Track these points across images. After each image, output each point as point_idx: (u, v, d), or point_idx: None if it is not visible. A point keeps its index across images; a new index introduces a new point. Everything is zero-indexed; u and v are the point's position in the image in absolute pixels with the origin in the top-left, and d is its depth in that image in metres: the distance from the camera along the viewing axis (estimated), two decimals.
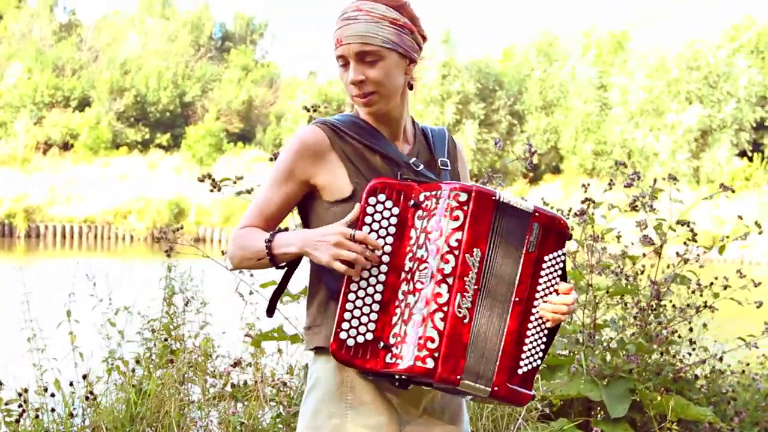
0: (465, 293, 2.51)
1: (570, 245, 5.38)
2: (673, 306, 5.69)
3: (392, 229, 2.56)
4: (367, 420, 2.65)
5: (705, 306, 5.56)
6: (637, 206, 5.32)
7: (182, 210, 34.13)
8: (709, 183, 42.83)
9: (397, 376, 2.53)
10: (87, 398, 5.19)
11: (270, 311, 2.83)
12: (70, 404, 5.25)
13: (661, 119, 45.27)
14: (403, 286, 2.54)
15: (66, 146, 46.61)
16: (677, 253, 5.53)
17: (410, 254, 2.55)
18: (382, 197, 2.56)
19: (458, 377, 2.51)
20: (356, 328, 2.53)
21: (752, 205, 34.14)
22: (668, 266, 5.56)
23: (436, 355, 2.47)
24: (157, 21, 59.31)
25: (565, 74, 48.62)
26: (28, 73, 49.98)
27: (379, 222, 2.55)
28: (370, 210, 2.55)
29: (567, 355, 5.62)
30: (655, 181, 5.39)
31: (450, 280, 2.49)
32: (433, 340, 2.47)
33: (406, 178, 2.65)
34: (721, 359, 5.95)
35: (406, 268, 2.55)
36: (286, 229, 2.67)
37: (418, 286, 2.52)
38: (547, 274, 2.71)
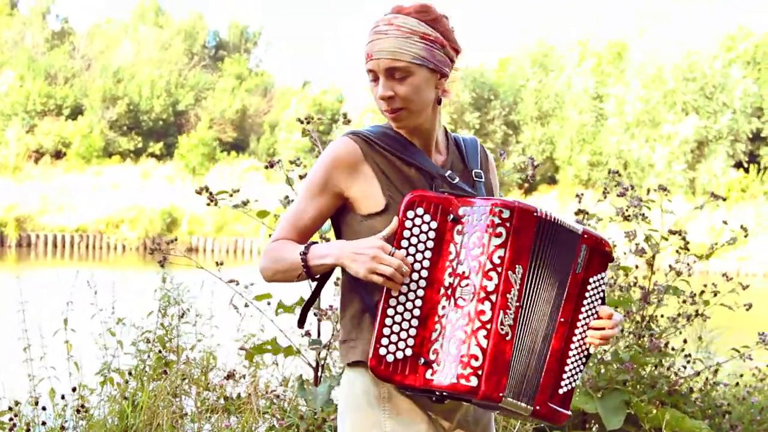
0: (507, 310, 2.51)
1: None
2: (662, 316, 5.71)
3: (430, 244, 2.55)
4: (407, 429, 2.67)
5: (696, 314, 5.59)
6: (628, 216, 5.35)
7: (175, 219, 34.07)
8: (705, 194, 42.78)
9: (437, 393, 2.54)
10: (78, 411, 5.18)
11: (301, 322, 2.86)
12: (63, 416, 5.24)
13: (657, 130, 45.31)
14: (443, 302, 2.54)
15: (58, 155, 46.54)
16: (670, 266, 5.56)
17: (449, 269, 2.54)
18: (420, 211, 2.56)
19: (501, 395, 2.52)
20: (395, 343, 2.53)
21: (748, 216, 34.18)
22: (657, 273, 5.59)
23: (480, 373, 2.47)
24: (151, 29, 59.29)
25: (561, 84, 48.67)
26: (20, 80, 49.92)
27: (417, 236, 2.55)
28: (408, 224, 2.55)
29: None
30: (648, 191, 5.42)
31: (493, 298, 2.49)
32: (476, 358, 2.48)
33: (442, 191, 2.65)
34: (716, 372, 5.97)
35: (446, 284, 2.54)
36: (326, 239, 2.67)
37: (461, 302, 2.51)
38: (591, 296, 2.74)
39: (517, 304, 2.53)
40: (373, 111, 47.02)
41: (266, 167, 4.74)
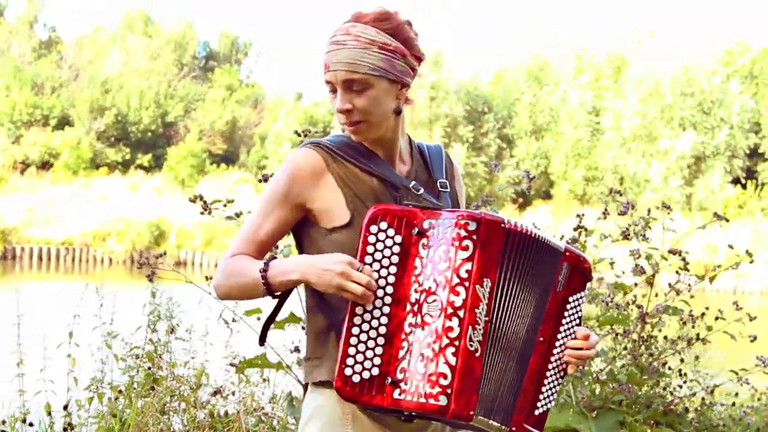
0: (476, 326, 2.48)
1: None
2: (665, 338, 5.71)
3: (395, 259, 2.51)
4: None
5: (697, 338, 5.59)
6: (629, 235, 5.35)
7: (163, 232, 34.03)
8: (702, 210, 42.94)
9: (406, 412, 2.51)
10: (65, 429, 5.18)
11: (262, 340, 2.79)
12: None
13: (654, 145, 45.44)
14: (410, 318, 2.50)
15: (44, 166, 46.49)
16: (669, 284, 5.56)
17: (416, 285, 2.50)
18: (383, 225, 2.51)
19: (471, 413, 2.49)
20: (361, 363, 2.49)
21: (746, 233, 34.24)
22: (658, 294, 5.59)
23: (449, 391, 2.44)
24: (140, 39, 59.33)
25: (556, 98, 48.79)
26: (6, 90, 49.91)
27: (381, 251, 2.51)
28: (371, 239, 2.51)
29: None
30: (649, 211, 5.42)
31: (461, 313, 2.46)
32: (445, 377, 2.44)
33: (407, 204, 2.59)
34: (712, 392, 5.97)
35: (412, 300, 2.50)
36: (284, 256, 2.63)
37: (428, 319, 2.47)
38: (570, 315, 2.73)
39: (486, 318, 2.50)
40: None
41: (259, 181, 4.71)
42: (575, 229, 5.35)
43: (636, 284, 5.61)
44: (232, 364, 5.50)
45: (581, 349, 2.72)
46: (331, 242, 2.61)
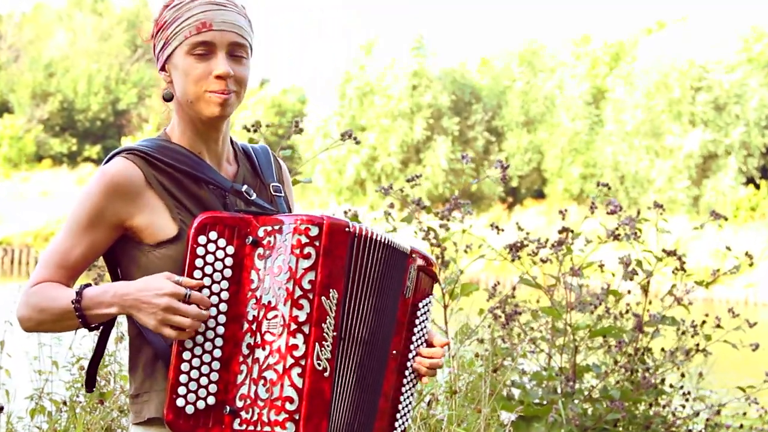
0: (324, 342, 2.44)
1: (548, 280, 5.46)
2: (662, 350, 5.75)
3: (228, 272, 2.45)
4: None
5: (697, 350, 5.63)
6: (619, 236, 5.39)
7: None
8: (717, 216, 42.92)
9: None
10: None
11: (89, 384, 2.69)
12: None
13: (659, 141, 45.48)
14: (248, 339, 2.45)
15: None
16: (670, 291, 5.60)
17: (253, 300, 2.46)
18: (213, 235, 2.45)
19: None
20: (195, 392, 2.42)
21: (759, 237, 34.28)
22: (652, 302, 5.62)
23: (297, 417, 2.40)
24: (88, 17, 59.12)
25: (551, 87, 48.72)
26: None
27: (212, 264, 2.44)
28: (200, 251, 2.44)
29: (544, 404, 5.68)
30: (638, 212, 5.46)
31: (306, 329, 2.42)
32: (291, 401, 2.40)
33: (238, 210, 2.56)
34: (718, 412, 5.99)
35: (250, 317, 2.45)
36: (95, 283, 2.50)
37: (268, 337, 2.43)
38: (420, 323, 2.73)
39: (335, 334, 2.46)
40: (341, 114, 47.06)
41: None
42: (560, 232, 5.39)
43: (629, 291, 5.65)
44: None
45: (432, 357, 2.73)
46: (157, 259, 2.52)
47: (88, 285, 2.46)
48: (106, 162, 2.57)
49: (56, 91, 51.23)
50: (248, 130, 5.02)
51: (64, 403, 5.52)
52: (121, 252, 2.59)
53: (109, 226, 2.53)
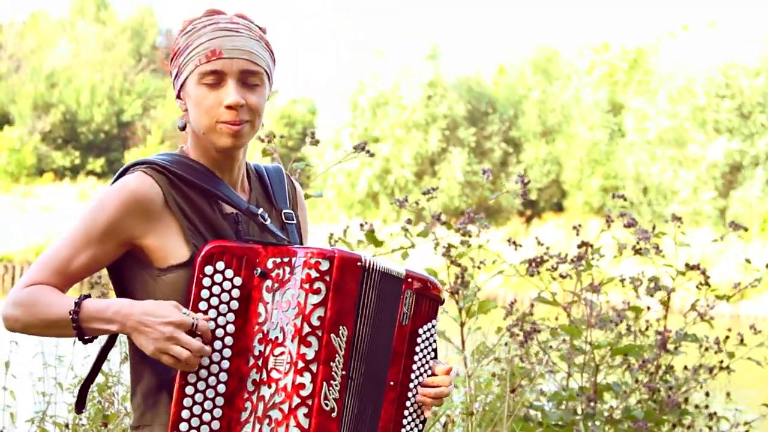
0: (332, 381, 2.44)
1: (566, 296, 5.46)
2: (685, 367, 5.74)
3: (235, 305, 2.45)
4: None
5: (721, 367, 5.62)
6: (641, 250, 5.38)
7: None
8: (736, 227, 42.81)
9: None
10: None
11: (80, 405, 2.66)
12: None
13: (683, 151, 45.37)
14: (253, 375, 2.44)
15: None
16: (693, 305, 5.59)
17: (260, 335, 2.45)
18: (220, 265, 2.44)
19: None
20: (197, 428, 2.41)
21: None
22: (673, 315, 5.61)
23: None
24: (91, 25, 59.27)
25: (568, 95, 48.63)
26: None
27: (218, 296, 2.44)
28: (206, 282, 2.43)
29: (564, 426, 5.68)
30: (654, 227, 5.45)
31: (314, 367, 2.42)
32: None
33: (248, 239, 2.55)
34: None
35: (256, 352, 2.45)
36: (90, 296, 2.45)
37: (274, 374, 2.43)
38: (422, 350, 2.69)
39: (344, 373, 2.46)
40: (353, 125, 47.08)
41: None
42: (579, 246, 5.38)
43: (648, 308, 5.63)
44: None
45: (438, 386, 2.69)
46: (164, 284, 2.51)
47: (87, 296, 2.44)
48: (121, 174, 2.57)
49: (58, 102, 51.29)
50: (261, 141, 5.03)
51: (67, 426, 5.55)
52: (127, 270, 2.58)
53: (119, 242, 2.51)
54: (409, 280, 2.64)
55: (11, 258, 33.31)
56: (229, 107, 2.51)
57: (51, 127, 50.26)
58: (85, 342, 2.47)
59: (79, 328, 2.40)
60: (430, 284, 2.70)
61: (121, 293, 2.60)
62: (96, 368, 2.64)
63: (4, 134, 48.19)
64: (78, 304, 2.40)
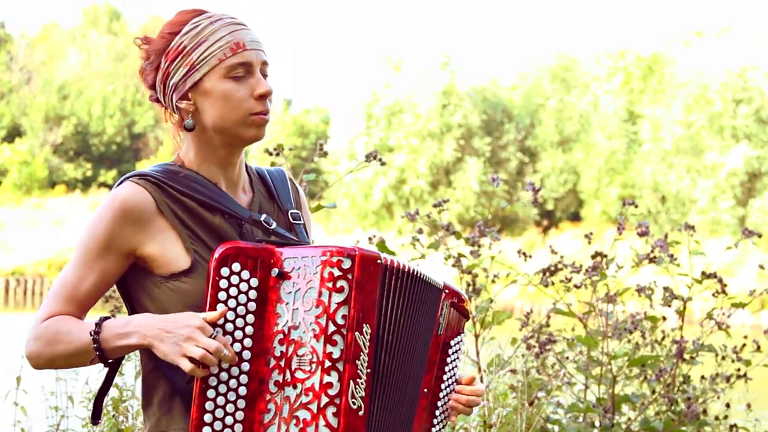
0: (358, 380, 2.43)
1: (582, 307, 5.47)
2: (702, 377, 5.74)
3: (252, 306, 2.44)
4: None
5: (738, 376, 5.62)
6: (655, 259, 5.38)
7: None
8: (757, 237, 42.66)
9: None
10: None
11: (95, 417, 2.61)
12: None
13: (700, 159, 45.28)
14: (275, 376, 2.44)
15: None
16: (709, 314, 5.59)
17: (280, 336, 2.45)
18: (236, 267, 2.44)
19: None
20: (219, 431, 2.42)
21: None
22: (690, 325, 5.59)
23: None
24: (102, 36, 59.45)
25: (586, 104, 48.57)
26: None
27: (235, 298, 2.43)
28: (222, 284, 2.43)
29: None
30: (666, 235, 5.45)
31: (340, 366, 2.41)
32: None
33: (260, 240, 2.55)
34: None
35: (277, 353, 2.45)
36: (112, 316, 2.48)
37: (299, 375, 2.42)
38: (452, 361, 2.74)
39: (369, 371, 2.46)
40: (368, 135, 47.10)
41: None
42: (593, 257, 5.38)
43: (664, 318, 5.64)
44: None
45: (468, 395, 2.75)
46: (169, 291, 2.52)
47: (107, 317, 2.46)
48: (116, 187, 2.58)
49: (70, 114, 51.45)
50: (270, 154, 5.03)
51: None
52: (132, 282, 2.59)
53: (120, 254, 2.52)
54: (447, 291, 2.69)
55: (23, 271, 33.40)
56: (261, 96, 2.55)
57: (62, 139, 50.42)
58: (106, 365, 2.50)
59: (101, 349, 2.42)
60: (462, 297, 2.74)
61: (129, 305, 2.62)
62: (109, 379, 2.63)
63: (16, 146, 48.32)
64: (99, 325, 2.43)
